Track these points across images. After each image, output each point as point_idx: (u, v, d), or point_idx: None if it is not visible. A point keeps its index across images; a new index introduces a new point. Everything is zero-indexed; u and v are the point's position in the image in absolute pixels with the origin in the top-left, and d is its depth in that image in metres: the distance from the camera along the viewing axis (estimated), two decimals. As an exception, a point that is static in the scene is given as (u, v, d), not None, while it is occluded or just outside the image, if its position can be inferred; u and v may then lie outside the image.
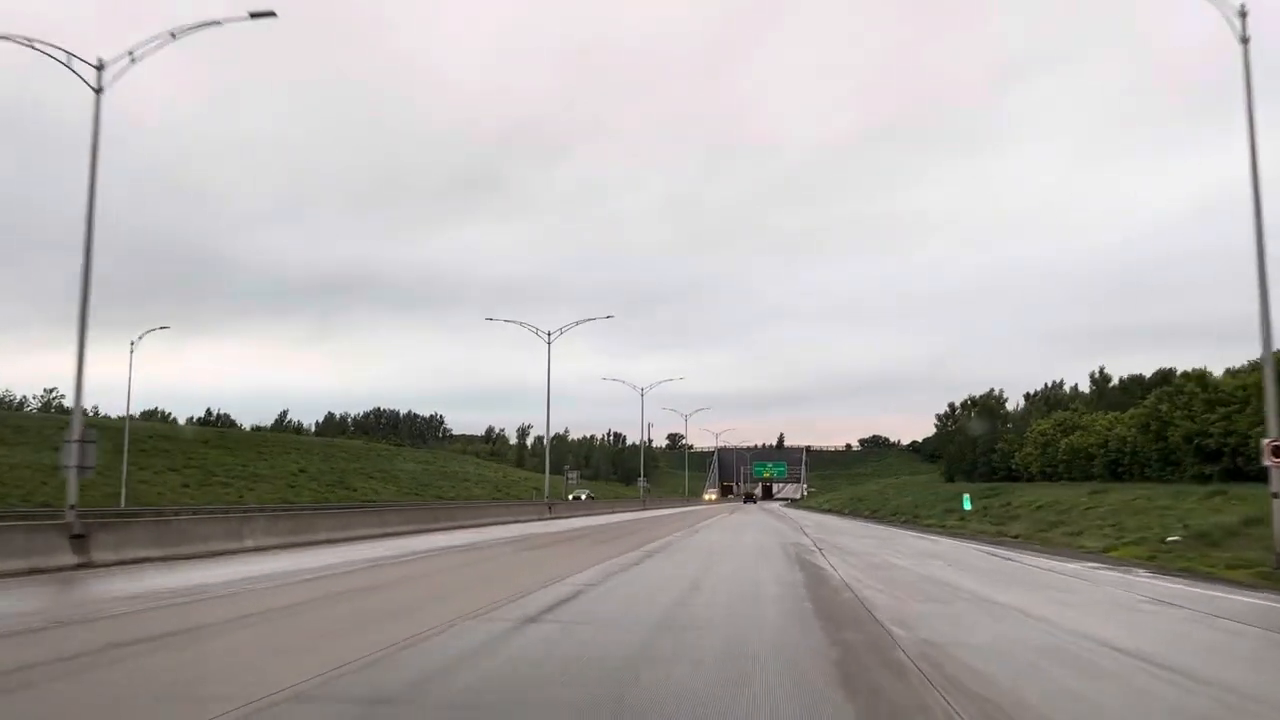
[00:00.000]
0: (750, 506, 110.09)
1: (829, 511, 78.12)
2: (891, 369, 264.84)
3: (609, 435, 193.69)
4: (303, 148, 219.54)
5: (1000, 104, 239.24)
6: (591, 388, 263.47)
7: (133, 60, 17.82)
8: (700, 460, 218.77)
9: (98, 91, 17.60)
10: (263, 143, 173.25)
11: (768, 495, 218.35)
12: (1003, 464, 76.51)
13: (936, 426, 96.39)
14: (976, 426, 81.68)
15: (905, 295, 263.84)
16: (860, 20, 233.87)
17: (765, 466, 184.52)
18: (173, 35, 18.06)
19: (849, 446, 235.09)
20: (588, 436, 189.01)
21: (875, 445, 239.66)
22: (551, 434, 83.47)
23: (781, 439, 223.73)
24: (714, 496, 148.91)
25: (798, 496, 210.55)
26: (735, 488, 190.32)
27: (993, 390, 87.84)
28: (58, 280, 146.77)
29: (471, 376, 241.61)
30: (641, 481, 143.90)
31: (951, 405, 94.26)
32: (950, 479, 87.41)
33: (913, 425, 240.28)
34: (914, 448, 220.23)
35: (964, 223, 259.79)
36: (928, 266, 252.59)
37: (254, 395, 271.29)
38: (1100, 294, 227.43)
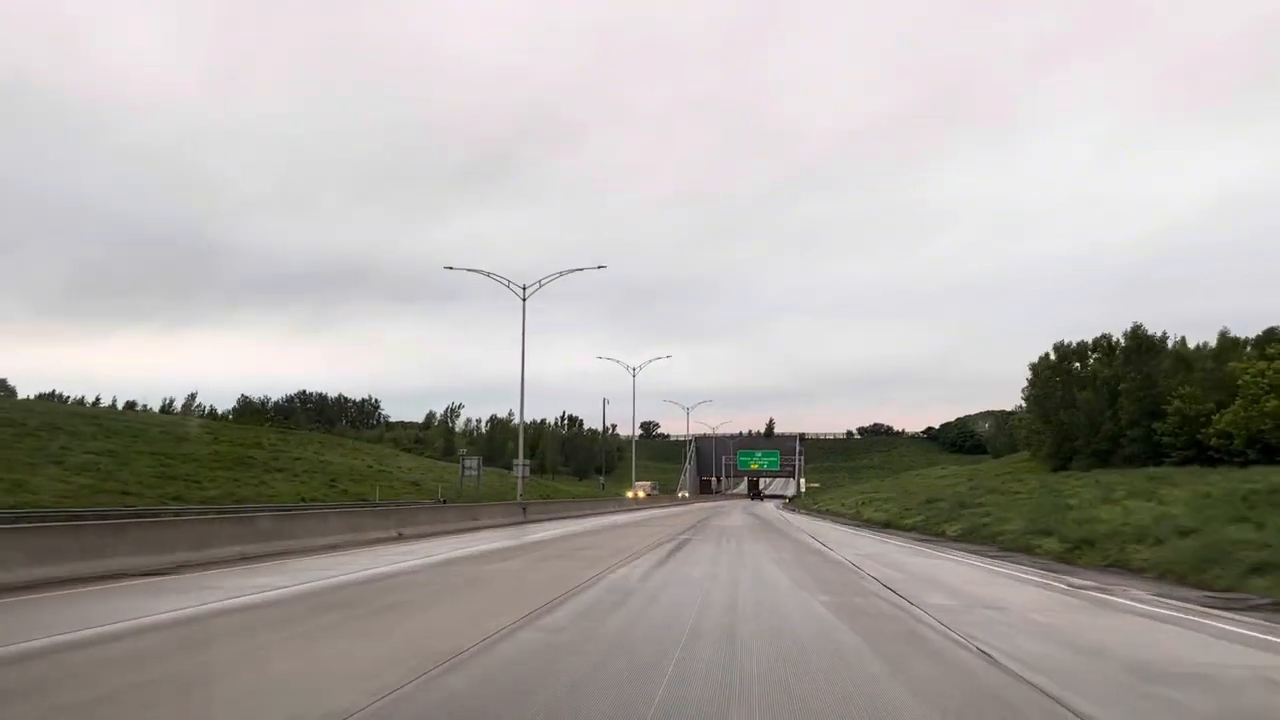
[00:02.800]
0: (727, 508, 74.83)
1: (860, 521, 44.00)
2: (893, 365, 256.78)
3: (561, 419, 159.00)
4: (305, 131, 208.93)
5: (1028, 92, 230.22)
6: (584, 384, 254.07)
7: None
8: (677, 451, 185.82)
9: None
10: (264, 125, 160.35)
11: (755, 492, 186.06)
12: (1183, 434, 42.55)
13: (1030, 385, 61.81)
14: (1132, 372, 47.58)
15: (913, 290, 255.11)
16: (887, 4, 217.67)
17: (753, 456, 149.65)
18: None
19: (850, 434, 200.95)
20: (536, 421, 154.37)
21: (877, 434, 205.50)
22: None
23: (771, 425, 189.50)
24: (685, 494, 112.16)
25: (790, 494, 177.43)
26: (716, 483, 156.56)
27: (1138, 326, 53.85)
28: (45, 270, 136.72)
29: (463, 369, 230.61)
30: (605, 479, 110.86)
31: (1062, 346, 60.20)
32: (1065, 463, 53.75)
33: (915, 423, 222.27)
34: (929, 435, 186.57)
35: (983, 215, 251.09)
36: (941, 260, 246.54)
37: (243, 386, 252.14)
38: (1115, 288, 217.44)
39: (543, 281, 46.54)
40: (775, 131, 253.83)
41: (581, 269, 48.96)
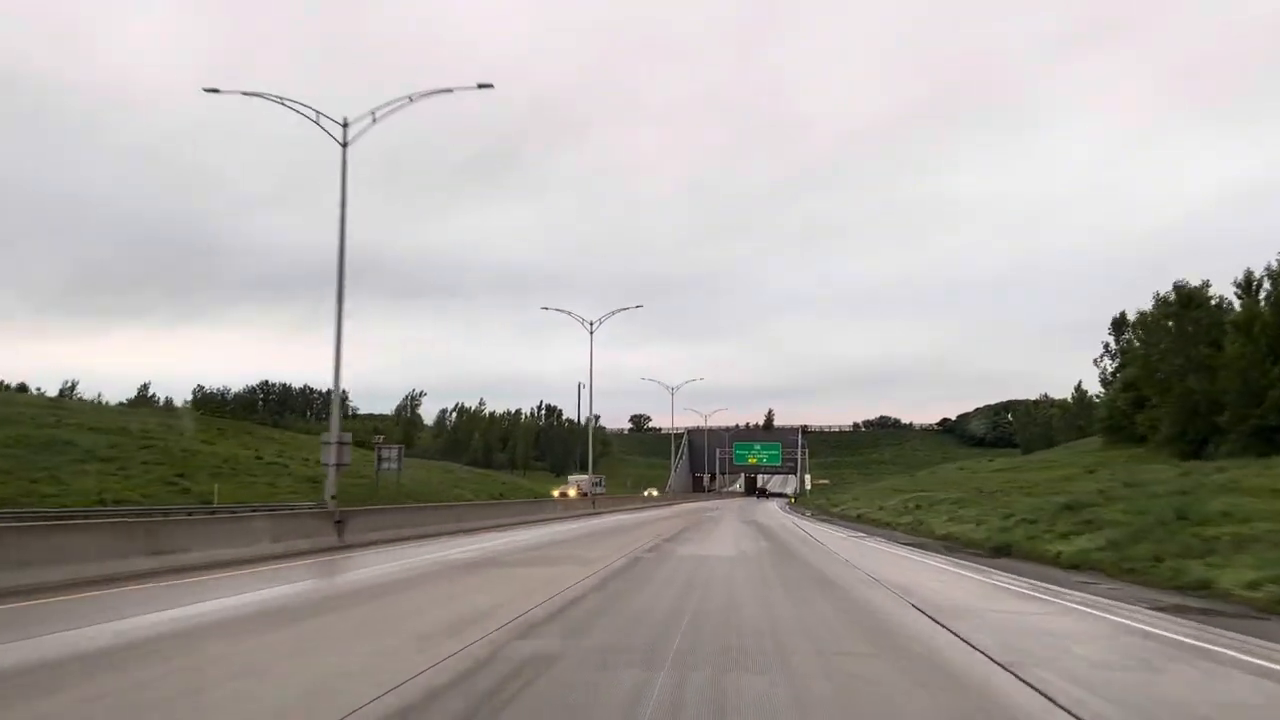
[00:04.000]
0: (718, 512, 57.38)
1: (944, 540, 25.70)
2: (895, 363, 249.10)
3: (538, 409, 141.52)
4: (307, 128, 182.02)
5: (1035, 88, 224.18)
6: (575, 380, 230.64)
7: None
8: (669, 446, 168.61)
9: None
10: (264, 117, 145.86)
11: (757, 490, 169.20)
12: None
13: (1115, 350, 45.18)
14: None
15: (917, 287, 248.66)
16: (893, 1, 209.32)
17: (750, 449, 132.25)
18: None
19: (856, 426, 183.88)
20: (510, 411, 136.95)
21: (884, 427, 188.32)
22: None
23: (770, 416, 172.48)
24: (654, 493, 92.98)
25: (789, 492, 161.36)
26: (710, 480, 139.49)
27: None
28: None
29: (463, 366, 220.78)
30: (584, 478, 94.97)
31: (1183, 289, 43.02)
32: (1198, 448, 37.18)
33: (920, 419, 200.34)
34: (944, 427, 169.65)
35: (994, 210, 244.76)
36: (946, 256, 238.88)
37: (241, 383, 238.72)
38: (1121, 285, 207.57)
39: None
40: (781, 128, 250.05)
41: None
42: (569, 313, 51.28)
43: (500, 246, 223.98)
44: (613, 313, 51.89)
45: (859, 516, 42.55)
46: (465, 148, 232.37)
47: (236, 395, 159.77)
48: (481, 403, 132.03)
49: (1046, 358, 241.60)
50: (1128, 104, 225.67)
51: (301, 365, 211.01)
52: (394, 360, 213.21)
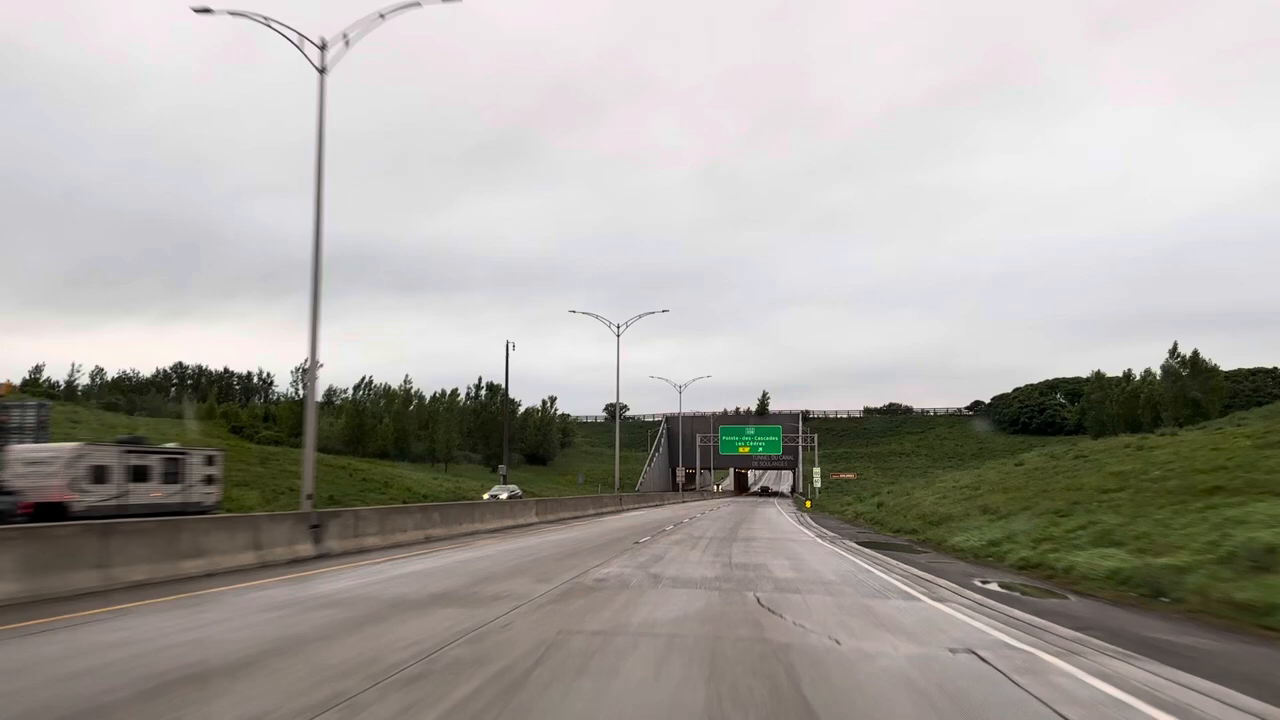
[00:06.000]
0: (683, 531, 29.48)
1: None
2: (906, 355, 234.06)
3: (475, 388, 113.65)
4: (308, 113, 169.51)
5: (1065, 73, 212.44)
6: (582, 377, 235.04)
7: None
8: (645, 436, 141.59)
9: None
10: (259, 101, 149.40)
11: (744, 488, 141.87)
12: None
13: None
14: None
15: (933, 276, 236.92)
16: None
17: (741, 435, 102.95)
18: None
19: (869, 411, 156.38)
20: (441, 392, 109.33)
21: (896, 413, 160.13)
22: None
23: (765, 400, 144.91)
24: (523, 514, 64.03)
25: (786, 489, 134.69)
26: (687, 480, 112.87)
27: None
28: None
29: (463, 362, 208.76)
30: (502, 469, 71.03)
31: None
32: None
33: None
34: (976, 410, 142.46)
35: (1016, 200, 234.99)
36: (964, 246, 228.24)
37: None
38: (1143, 278, 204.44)
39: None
40: (800, 114, 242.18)
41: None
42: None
43: (504, 236, 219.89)
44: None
45: (1001, 556, 15.74)
46: (467, 140, 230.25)
47: (149, 379, 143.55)
48: (407, 380, 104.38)
49: (1053, 354, 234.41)
50: (1151, 94, 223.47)
51: (298, 359, 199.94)
52: (394, 356, 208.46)
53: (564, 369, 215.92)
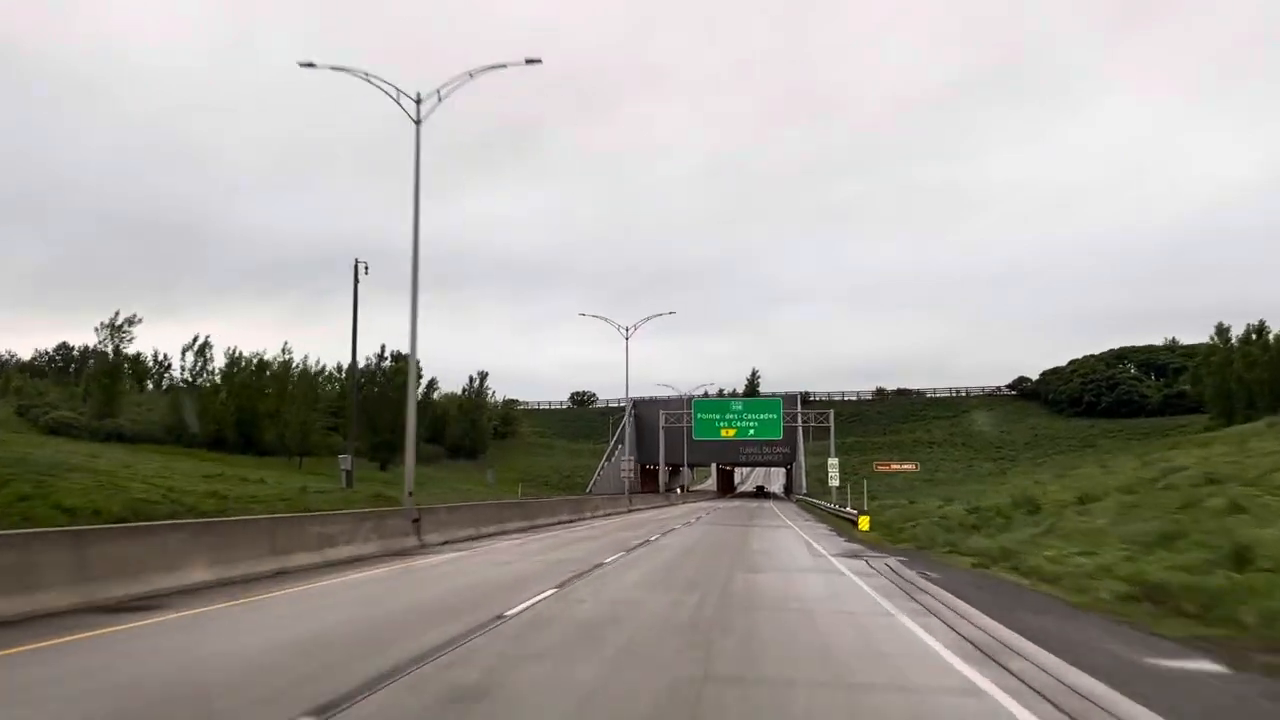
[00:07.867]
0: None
1: None
2: (909, 352, 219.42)
3: (378, 357, 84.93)
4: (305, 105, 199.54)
5: (1075, 68, 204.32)
6: (581, 375, 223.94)
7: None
8: (606, 425, 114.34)
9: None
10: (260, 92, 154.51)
11: (729, 487, 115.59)
12: None
13: None
14: None
15: (940, 273, 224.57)
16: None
17: (725, 414, 72.97)
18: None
19: (882, 393, 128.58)
20: (319, 365, 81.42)
21: (914, 396, 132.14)
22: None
23: (755, 379, 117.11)
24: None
25: (778, 488, 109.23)
26: (652, 474, 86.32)
27: None
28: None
29: (464, 360, 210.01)
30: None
31: None
32: None
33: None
34: (1022, 390, 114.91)
35: (1024, 196, 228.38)
36: (972, 242, 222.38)
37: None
38: (1151, 271, 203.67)
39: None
40: (808, 106, 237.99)
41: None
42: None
43: (505, 232, 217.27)
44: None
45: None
46: (469, 132, 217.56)
47: (28, 362, 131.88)
48: (262, 352, 76.15)
49: (1054, 353, 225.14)
50: (1162, 90, 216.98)
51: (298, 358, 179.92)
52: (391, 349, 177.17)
53: (564, 369, 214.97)
